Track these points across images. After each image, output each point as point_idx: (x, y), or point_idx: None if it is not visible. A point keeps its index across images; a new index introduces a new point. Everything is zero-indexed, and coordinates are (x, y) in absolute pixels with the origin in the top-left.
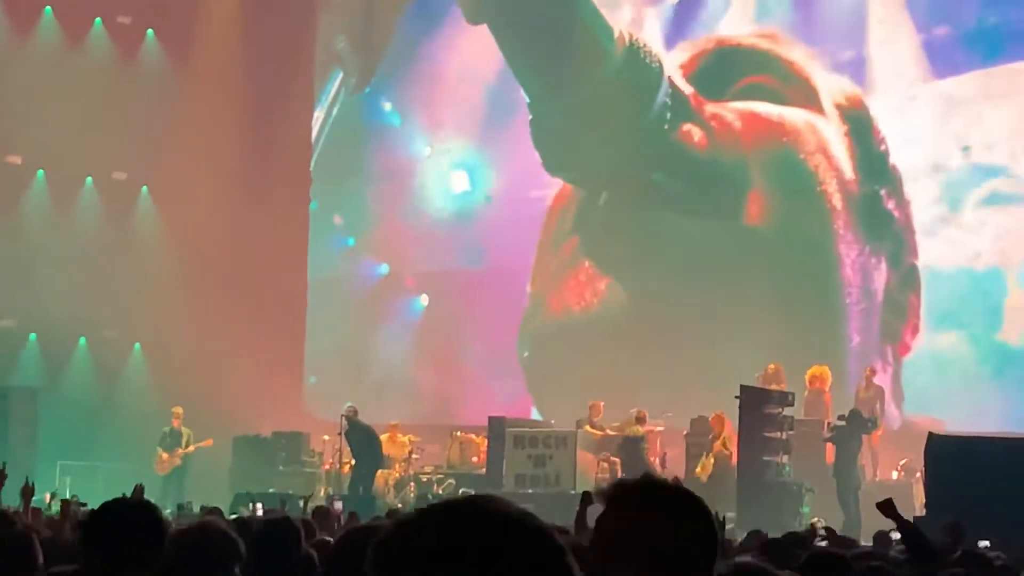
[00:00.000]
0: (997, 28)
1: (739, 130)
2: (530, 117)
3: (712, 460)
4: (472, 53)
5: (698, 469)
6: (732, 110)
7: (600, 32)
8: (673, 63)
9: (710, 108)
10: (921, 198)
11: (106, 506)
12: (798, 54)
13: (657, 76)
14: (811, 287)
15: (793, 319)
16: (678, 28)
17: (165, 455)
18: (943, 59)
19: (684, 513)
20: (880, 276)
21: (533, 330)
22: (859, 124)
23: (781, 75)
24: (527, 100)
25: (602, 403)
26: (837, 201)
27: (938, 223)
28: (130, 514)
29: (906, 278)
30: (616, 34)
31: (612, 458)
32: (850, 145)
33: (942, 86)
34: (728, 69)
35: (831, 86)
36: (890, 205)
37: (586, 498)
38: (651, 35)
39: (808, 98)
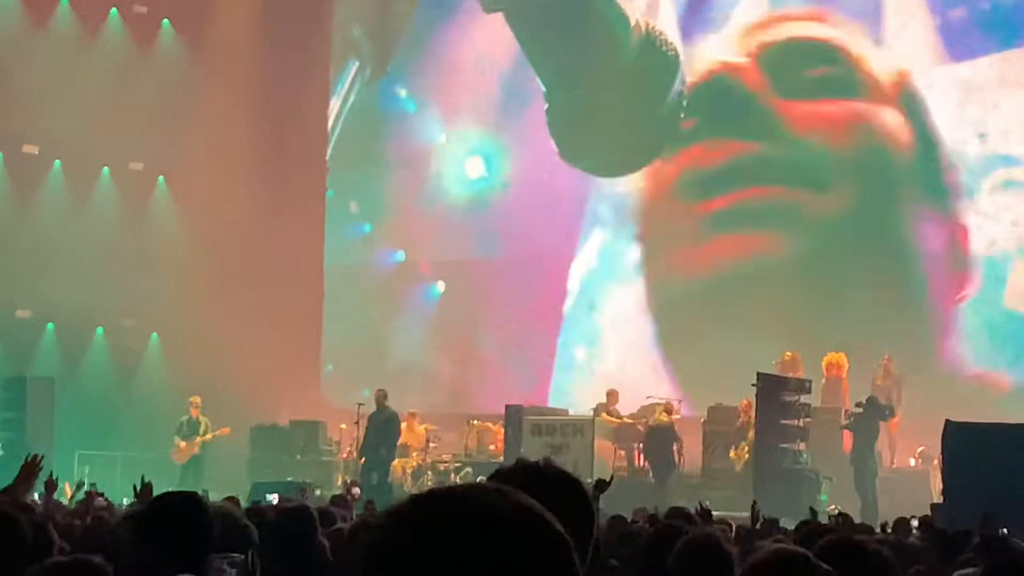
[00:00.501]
0: (1014, 11)
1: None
2: (546, 106)
3: (745, 448)
4: (487, 41)
5: (732, 454)
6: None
7: (616, 21)
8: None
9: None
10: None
11: (158, 501)
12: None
13: (673, 64)
14: (832, 272)
15: (812, 306)
16: (693, 14)
17: (183, 443)
18: (959, 43)
19: (560, 496)
20: (933, 239)
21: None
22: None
23: (842, 66)
24: (543, 89)
25: (618, 391)
26: (846, 180)
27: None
28: (182, 509)
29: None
30: (632, 23)
31: (637, 445)
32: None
33: (958, 71)
34: (793, 64)
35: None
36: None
37: (599, 486)
38: (667, 21)
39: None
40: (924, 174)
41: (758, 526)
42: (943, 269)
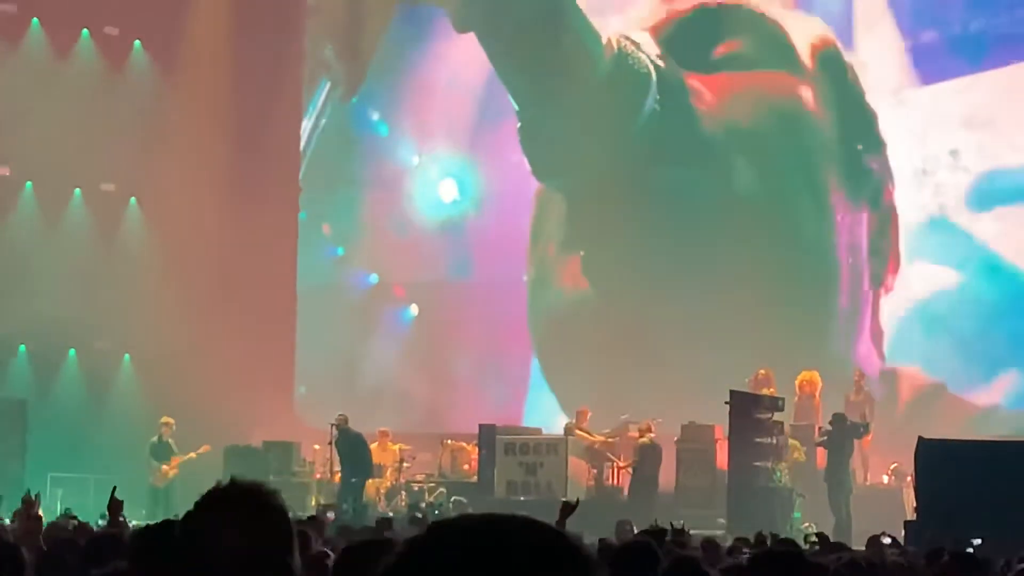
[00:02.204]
0: (983, 33)
1: (724, 111)
2: (519, 124)
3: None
4: (460, 61)
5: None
6: (714, 85)
7: (588, 38)
8: (648, 23)
9: (693, 82)
10: (910, 201)
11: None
12: (776, 10)
13: (646, 81)
14: (805, 280)
15: (783, 322)
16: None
17: (164, 466)
18: (930, 64)
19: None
20: (863, 230)
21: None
22: (835, 71)
23: (759, 35)
24: (515, 107)
25: (588, 409)
26: (825, 174)
27: (926, 227)
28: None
29: (884, 221)
30: (604, 40)
31: (621, 465)
32: (828, 99)
33: (929, 91)
34: (706, 32)
35: (807, 33)
36: (872, 163)
37: (566, 508)
38: (639, 39)
39: (786, 57)
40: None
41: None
42: (915, 285)
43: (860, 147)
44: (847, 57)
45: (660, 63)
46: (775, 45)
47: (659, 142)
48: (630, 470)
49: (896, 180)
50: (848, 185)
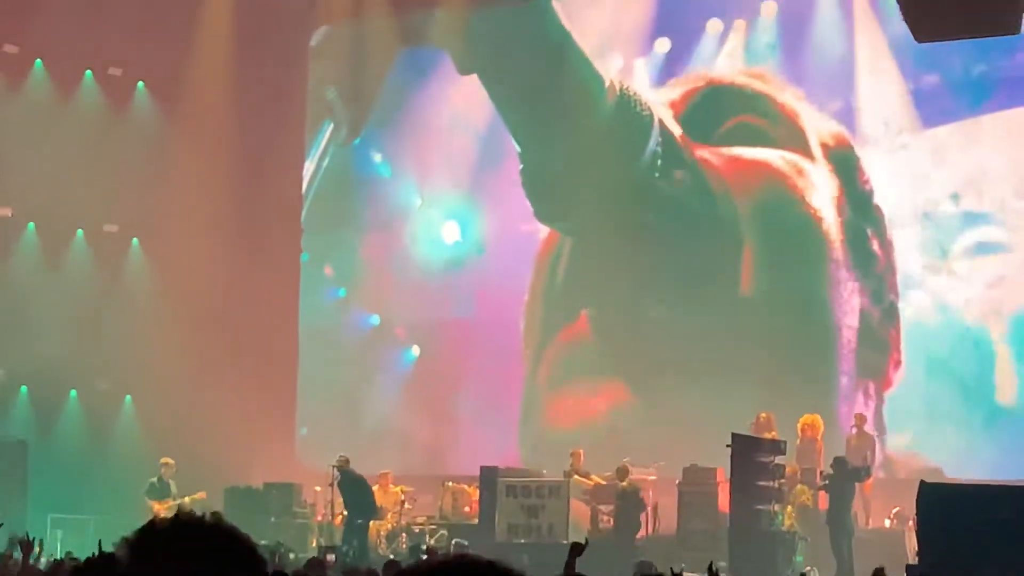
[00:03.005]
0: (985, 76)
1: (728, 176)
2: (521, 166)
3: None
4: (462, 103)
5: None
6: (720, 155)
7: (590, 81)
8: (663, 99)
9: (700, 152)
10: (910, 245)
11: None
12: (788, 96)
13: (647, 124)
14: (803, 334)
15: (785, 367)
16: (667, 76)
17: (158, 505)
18: (932, 107)
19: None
20: (864, 314)
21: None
22: (845, 165)
23: (770, 116)
24: (518, 150)
25: (581, 451)
26: (825, 244)
27: (927, 271)
28: None
29: (887, 314)
30: (606, 83)
31: (601, 508)
32: (837, 186)
33: (931, 134)
34: (718, 108)
35: (819, 127)
36: (874, 246)
37: (575, 549)
38: (640, 83)
39: (795, 139)
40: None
41: None
42: (921, 331)
43: (864, 227)
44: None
45: (670, 133)
46: (786, 127)
47: (662, 183)
48: (612, 516)
49: (897, 223)
50: (855, 264)
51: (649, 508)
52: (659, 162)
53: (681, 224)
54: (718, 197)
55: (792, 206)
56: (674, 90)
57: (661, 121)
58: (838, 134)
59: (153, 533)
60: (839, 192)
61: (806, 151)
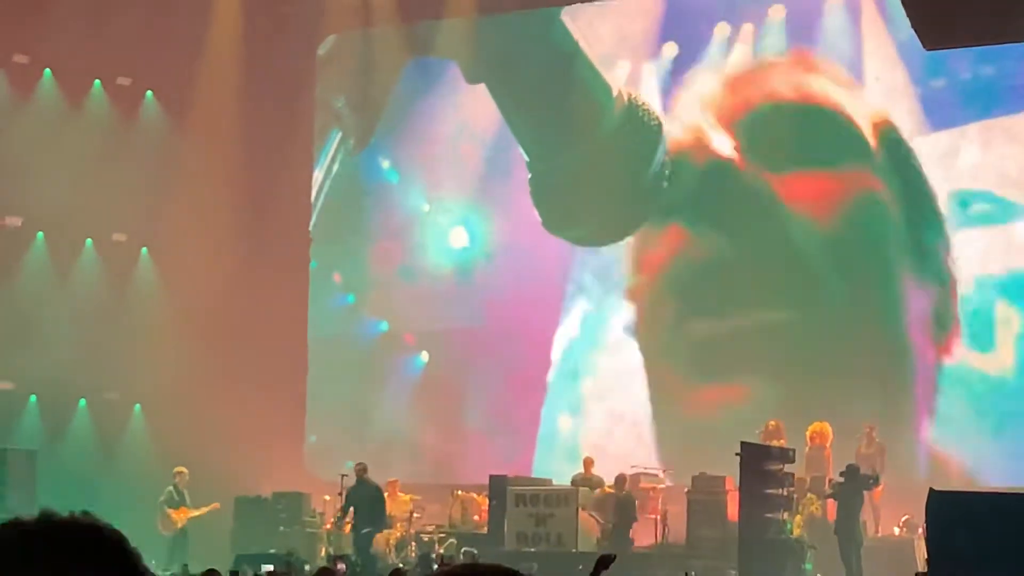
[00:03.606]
0: (993, 81)
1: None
2: (529, 175)
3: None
4: (470, 112)
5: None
6: (787, 186)
7: (598, 90)
8: (714, 107)
9: (769, 181)
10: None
11: None
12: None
13: (656, 132)
14: (816, 341)
15: (796, 374)
16: (674, 86)
17: (174, 513)
18: (939, 113)
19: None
20: (886, 326)
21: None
22: (896, 152)
23: (824, 130)
24: (526, 158)
25: (592, 459)
26: (834, 254)
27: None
28: None
29: (945, 293)
30: (614, 92)
31: (593, 514)
32: (893, 184)
33: (939, 139)
34: (777, 129)
35: (867, 114)
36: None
37: (603, 560)
38: (648, 90)
39: (853, 149)
40: (908, 238)
41: None
42: (927, 335)
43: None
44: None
45: (734, 159)
46: (843, 139)
47: (671, 191)
48: (608, 525)
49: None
50: (915, 264)
51: (658, 516)
52: (668, 171)
53: (693, 231)
54: (726, 205)
55: (801, 216)
56: (723, 109)
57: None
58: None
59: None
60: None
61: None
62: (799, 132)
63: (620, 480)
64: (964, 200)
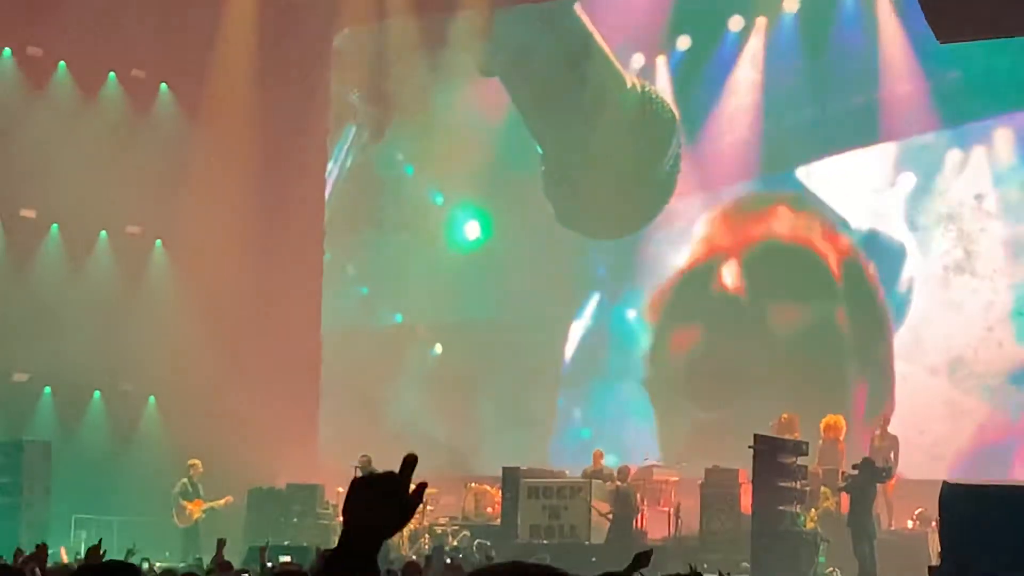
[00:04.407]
0: (1009, 75)
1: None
2: (542, 168)
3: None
4: (484, 105)
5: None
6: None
7: (611, 82)
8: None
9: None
10: (935, 247)
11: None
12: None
13: (670, 125)
14: (828, 335)
15: (808, 368)
16: (688, 76)
17: (190, 505)
18: (954, 107)
19: None
20: (888, 316)
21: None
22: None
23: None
24: (539, 151)
25: (602, 451)
26: (853, 246)
27: (952, 272)
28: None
29: (911, 316)
30: (628, 84)
31: (600, 512)
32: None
33: (954, 134)
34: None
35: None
36: (911, 246)
37: (639, 559)
38: (663, 83)
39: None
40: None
41: None
42: (940, 326)
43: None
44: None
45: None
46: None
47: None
48: (609, 516)
49: (920, 226)
50: (879, 267)
51: (671, 509)
52: (680, 165)
53: (705, 224)
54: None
55: (816, 206)
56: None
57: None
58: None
59: None
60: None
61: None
62: None
63: (623, 472)
64: (979, 195)
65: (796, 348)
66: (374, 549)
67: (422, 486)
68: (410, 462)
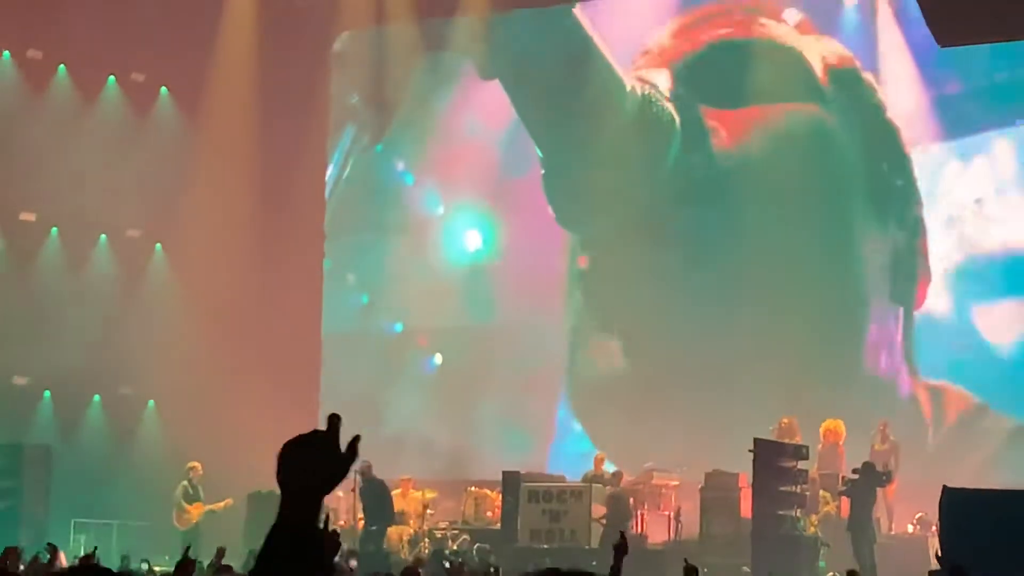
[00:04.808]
0: (1009, 84)
1: (744, 147)
2: (542, 171)
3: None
4: (485, 108)
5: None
6: (732, 120)
7: (612, 85)
8: (662, 59)
9: (711, 121)
10: (935, 250)
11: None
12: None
13: (670, 127)
14: (830, 339)
15: (809, 372)
16: (687, 82)
17: (190, 507)
18: (954, 115)
19: None
20: (889, 250)
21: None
22: (854, 91)
23: (774, 65)
24: (539, 154)
25: (604, 455)
26: (859, 248)
27: (952, 275)
28: None
29: (913, 231)
30: (628, 87)
31: (595, 517)
32: (850, 122)
33: (954, 142)
34: (721, 66)
35: (825, 52)
36: (917, 248)
37: (620, 550)
38: (662, 86)
39: (803, 84)
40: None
41: None
42: (936, 329)
43: (885, 166)
44: (865, 74)
45: (676, 100)
46: (792, 73)
47: (684, 187)
48: (602, 521)
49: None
50: (876, 208)
51: (671, 513)
52: (682, 167)
53: (704, 229)
54: (741, 203)
55: (823, 207)
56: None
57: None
58: (845, 57)
59: None
60: (856, 131)
61: (819, 95)
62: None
63: (616, 476)
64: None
65: (799, 350)
66: (315, 512)
67: (356, 439)
68: (335, 420)
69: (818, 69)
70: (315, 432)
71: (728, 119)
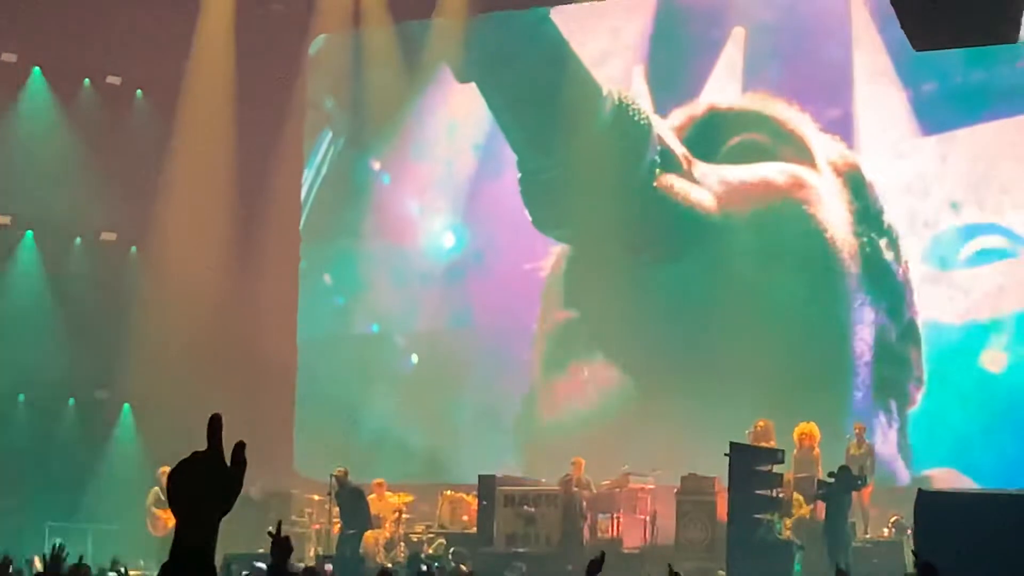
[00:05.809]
0: (984, 84)
1: (731, 188)
2: (519, 174)
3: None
4: (461, 111)
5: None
6: (724, 169)
7: (588, 89)
8: (666, 127)
9: (702, 167)
10: (910, 255)
11: None
12: (790, 113)
13: (646, 133)
14: (805, 343)
15: (784, 376)
16: (665, 83)
17: (163, 514)
18: (930, 116)
19: None
20: (879, 330)
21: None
22: (854, 180)
23: (772, 133)
24: (515, 157)
25: (583, 460)
26: (833, 256)
27: (927, 281)
28: None
29: (906, 331)
30: (604, 91)
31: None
32: (846, 200)
33: (930, 143)
34: (720, 130)
35: (823, 144)
36: (888, 257)
37: (593, 565)
38: (639, 91)
39: (801, 155)
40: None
41: None
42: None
43: (871, 236)
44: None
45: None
46: (792, 145)
47: (659, 191)
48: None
49: (897, 232)
50: (867, 278)
51: (647, 517)
52: (657, 171)
53: (679, 233)
54: (721, 206)
55: (797, 217)
56: (676, 119)
57: (660, 137)
58: (844, 152)
59: None
60: (848, 206)
61: (812, 165)
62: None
63: (565, 481)
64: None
65: (775, 352)
66: (208, 536)
67: (239, 446)
68: (214, 423)
69: (818, 154)
70: (195, 454)
71: (717, 169)
